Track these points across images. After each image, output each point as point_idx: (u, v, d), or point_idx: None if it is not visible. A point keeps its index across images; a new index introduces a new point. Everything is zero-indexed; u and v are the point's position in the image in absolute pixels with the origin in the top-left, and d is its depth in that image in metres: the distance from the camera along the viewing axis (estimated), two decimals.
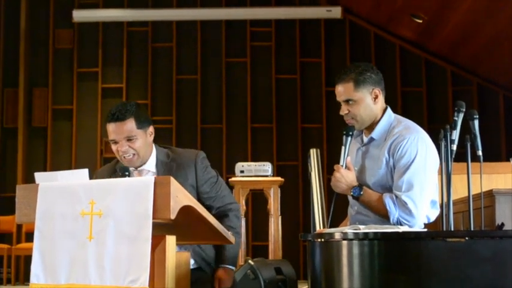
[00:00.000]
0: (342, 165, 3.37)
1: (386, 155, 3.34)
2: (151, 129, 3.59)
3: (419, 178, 3.27)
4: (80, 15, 10.43)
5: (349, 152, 3.44)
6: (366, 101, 3.42)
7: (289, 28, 10.49)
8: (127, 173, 3.47)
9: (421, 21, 9.30)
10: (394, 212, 3.25)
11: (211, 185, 3.63)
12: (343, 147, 3.39)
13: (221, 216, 3.53)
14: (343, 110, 3.44)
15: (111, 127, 3.49)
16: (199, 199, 3.46)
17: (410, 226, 3.25)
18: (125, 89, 10.38)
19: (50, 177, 2.86)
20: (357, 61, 3.56)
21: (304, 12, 10.40)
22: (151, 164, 3.58)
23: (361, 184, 3.38)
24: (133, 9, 10.48)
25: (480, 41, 9.10)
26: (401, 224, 3.24)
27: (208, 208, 3.38)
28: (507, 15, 7.89)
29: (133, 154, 3.49)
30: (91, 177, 2.98)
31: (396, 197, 3.26)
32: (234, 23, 10.51)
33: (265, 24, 10.50)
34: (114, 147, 3.52)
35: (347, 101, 3.42)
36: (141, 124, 3.51)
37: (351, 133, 3.42)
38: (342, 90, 3.44)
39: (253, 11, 10.45)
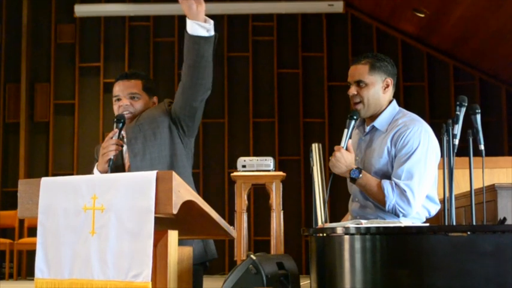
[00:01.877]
0: (343, 147, 3.38)
1: (389, 144, 3.36)
2: (155, 99, 3.69)
3: (419, 168, 3.29)
4: (81, 10, 10.43)
5: (351, 139, 3.45)
6: (376, 87, 3.45)
7: (291, 22, 10.48)
8: (122, 120, 3.47)
9: (423, 15, 9.29)
10: (392, 198, 3.26)
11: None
12: (345, 130, 3.40)
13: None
14: (352, 91, 3.46)
15: (117, 85, 3.62)
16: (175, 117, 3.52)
17: (404, 215, 3.27)
18: None
19: None
20: (359, 56, 3.59)
21: (306, 7, 10.39)
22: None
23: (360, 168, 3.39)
24: (135, 4, 10.48)
25: (482, 36, 9.09)
26: (396, 211, 3.26)
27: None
28: (510, 9, 7.88)
29: (132, 113, 3.56)
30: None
31: (396, 184, 3.27)
32: (236, 18, 10.51)
33: (267, 19, 10.50)
34: (115, 105, 3.61)
35: (358, 83, 3.45)
36: (147, 88, 3.63)
37: (355, 117, 3.42)
38: (356, 71, 3.48)
39: (255, 5, 10.44)
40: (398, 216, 3.28)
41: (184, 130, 3.54)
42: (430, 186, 3.38)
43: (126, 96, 3.57)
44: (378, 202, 3.32)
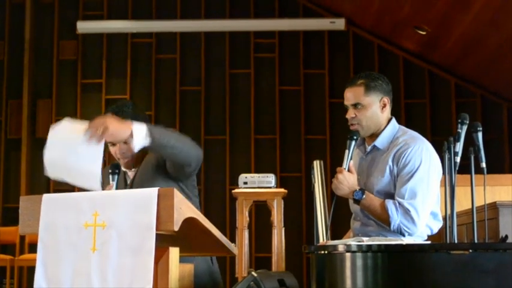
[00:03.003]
0: (345, 168, 3.37)
1: (390, 163, 3.36)
2: None
3: (422, 187, 3.28)
4: (84, 26, 10.46)
5: (352, 159, 3.45)
6: (373, 108, 3.44)
7: (293, 40, 10.50)
8: (117, 171, 3.48)
9: (424, 33, 9.32)
10: (396, 218, 3.25)
11: None
12: (346, 151, 3.40)
13: None
14: (350, 114, 3.47)
15: None
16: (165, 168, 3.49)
17: (410, 234, 3.27)
18: (128, 100, 10.38)
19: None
20: (353, 77, 3.59)
21: (307, 24, 10.42)
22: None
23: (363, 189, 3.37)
24: (137, 21, 10.51)
25: (484, 53, 9.10)
26: (401, 231, 3.26)
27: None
28: (511, 26, 7.90)
29: (131, 157, 3.52)
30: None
31: (399, 203, 3.26)
32: (238, 35, 10.53)
33: (269, 36, 10.52)
34: (112, 149, 3.55)
35: (355, 105, 3.45)
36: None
37: (355, 137, 3.43)
38: (351, 94, 3.47)
39: (257, 22, 10.46)
40: (403, 235, 3.27)
41: (182, 180, 3.53)
42: (433, 204, 3.38)
43: (120, 142, 3.49)
44: (382, 222, 3.32)
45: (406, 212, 3.24)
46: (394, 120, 3.53)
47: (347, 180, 3.35)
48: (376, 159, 3.45)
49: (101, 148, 2.91)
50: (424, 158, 3.33)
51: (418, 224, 3.26)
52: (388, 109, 3.50)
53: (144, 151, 3.56)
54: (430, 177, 3.33)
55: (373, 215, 3.35)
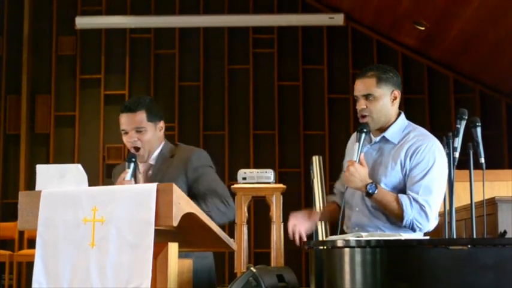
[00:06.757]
0: (356, 161, 3.35)
1: (403, 158, 3.34)
2: (161, 124, 3.77)
3: (435, 185, 3.28)
4: (82, 22, 10.45)
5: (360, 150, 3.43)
6: (384, 100, 3.43)
7: (292, 35, 10.49)
8: (133, 159, 3.56)
9: (423, 28, 9.31)
10: (410, 213, 3.24)
11: (201, 182, 3.69)
12: (357, 143, 3.37)
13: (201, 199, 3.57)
14: (361, 105, 3.43)
15: (123, 118, 3.66)
16: (191, 193, 3.56)
17: (421, 230, 3.27)
18: (127, 95, 10.38)
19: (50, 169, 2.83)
20: (360, 68, 3.59)
21: (306, 19, 10.41)
22: (153, 157, 3.72)
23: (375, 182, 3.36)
24: (136, 16, 10.50)
25: (483, 49, 9.10)
26: (413, 226, 3.26)
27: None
28: (510, 22, 7.89)
29: (140, 146, 3.63)
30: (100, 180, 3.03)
31: (414, 199, 3.26)
32: (237, 30, 10.52)
33: (267, 31, 10.51)
34: (124, 138, 3.68)
35: (366, 96, 3.42)
36: (152, 117, 3.67)
37: (365, 130, 3.40)
38: (363, 85, 3.44)
39: (255, 18, 10.46)
40: (414, 231, 3.27)
41: None
42: (441, 203, 3.37)
43: (132, 130, 3.63)
44: (394, 216, 3.30)
45: (421, 208, 3.24)
46: (403, 114, 3.52)
47: (358, 172, 3.32)
48: (385, 151, 3.43)
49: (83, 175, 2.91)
50: (437, 157, 3.32)
51: (431, 220, 3.26)
52: (398, 102, 3.49)
53: (156, 146, 3.70)
54: (441, 176, 3.33)
55: (385, 209, 3.33)
